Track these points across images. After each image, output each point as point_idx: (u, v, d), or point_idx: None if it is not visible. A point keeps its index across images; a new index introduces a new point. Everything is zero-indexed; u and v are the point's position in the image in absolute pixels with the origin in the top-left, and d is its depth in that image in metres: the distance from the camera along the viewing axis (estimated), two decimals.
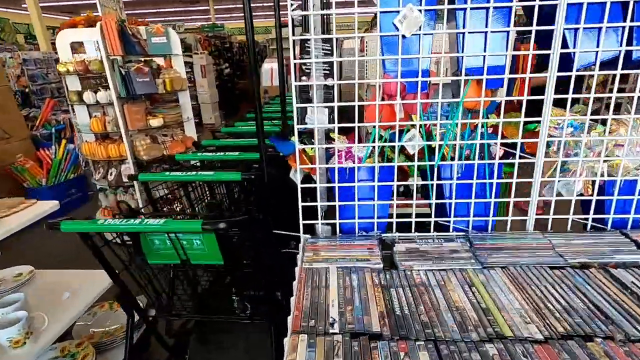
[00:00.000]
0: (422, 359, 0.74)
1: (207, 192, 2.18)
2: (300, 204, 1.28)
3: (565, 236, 1.21)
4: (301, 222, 1.29)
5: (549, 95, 1.15)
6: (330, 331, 0.83)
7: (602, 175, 1.24)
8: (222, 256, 1.40)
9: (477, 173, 1.24)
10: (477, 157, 1.24)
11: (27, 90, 6.69)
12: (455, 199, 1.26)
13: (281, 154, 1.30)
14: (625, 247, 1.13)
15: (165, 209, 2.75)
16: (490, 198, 1.26)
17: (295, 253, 1.27)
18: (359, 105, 1.18)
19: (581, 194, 1.28)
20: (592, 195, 1.26)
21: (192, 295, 1.74)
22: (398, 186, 1.30)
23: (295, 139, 1.21)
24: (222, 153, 1.76)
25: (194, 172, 1.47)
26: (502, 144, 1.33)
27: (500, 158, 1.30)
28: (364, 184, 1.28)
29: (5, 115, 4.13)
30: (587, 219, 1.28)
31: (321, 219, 1.32)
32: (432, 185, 1.26)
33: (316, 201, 1.29)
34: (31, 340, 1.44)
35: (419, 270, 1.05)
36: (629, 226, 1.27)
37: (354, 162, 1.34)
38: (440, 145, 1.22)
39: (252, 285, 1.70)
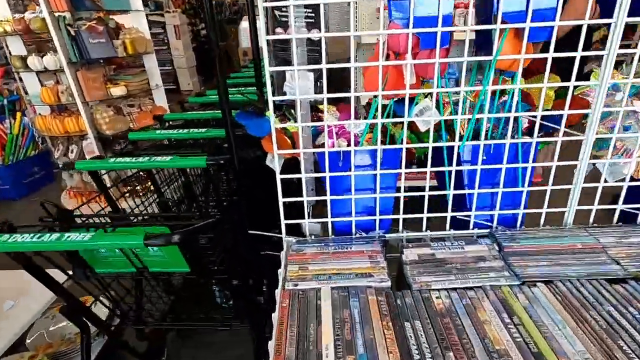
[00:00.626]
0: None
1: (179, 172, 1.87)
2: (281, 200, 0.99)
3: (613, 232, 0.97)
4: (283, 222, 1.02)
5: (612, 49, 0.86)
6: None
7: None
8: (187, 263, 1.13)
9: (505, 154, 0.96)
10: (509, 133, 0.95)
11: None
12: (479, 187, 0.99)
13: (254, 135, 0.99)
14: None
15: (138, 187, 2.44)
16: (523, 186, 0.99)
17: (277, 256, 1.01)
18: (353, 68, 0.87)
19: (633, 179, 1.03)
20: None
21: (163, 299, 1.49)
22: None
23: (270, 114, 0.90)
24: (186, 130, 1.43)
25: (146, 158, 1.16)
26: (534, 116, 1.05)
27: (526, 133, 1.04)
28: (362, 173, 1.00)
29: None
30: (639, 209, 1.04)
31: (309, 217, 1.04)
32: (448, 172, 0.98)
33: (301, 194, 1.01)
34: None
35: (438, 290, 0.80)
36: None
37: (348, 143, 1.05)
38: (467, 121, 0.93)
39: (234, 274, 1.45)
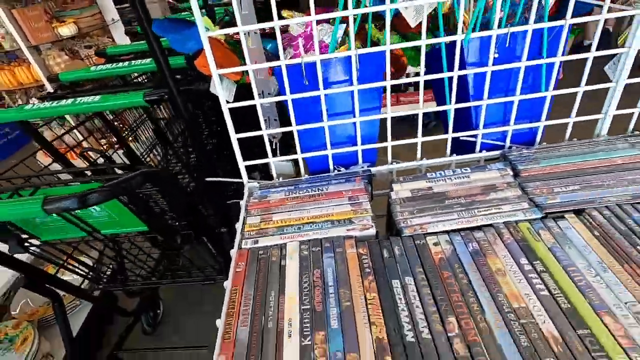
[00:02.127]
0: None
1: (145, 116, 1.65)
2: (234, 136, 0.77)
3: None
4: (241, 163, 0.81)
5: None
6: None
7: None
8: (142, 221, 0.96)
9: (525, 46, 0.71)
10: (532, 18, 0.69)
11: None
12: (489, 96, 0.76)
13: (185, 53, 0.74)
14: None
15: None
16: (547, 89, 0.76)
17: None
18: None
19: None
20: None
21: (144, 260, 1.35)
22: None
23: (194, 11, 0.64)
24: (126, 64, 1.16)
25: (69, 101, 0.91)
26: None
27: (553, 17, 0.77)
28: (336, 90, 0.76)
29: None
30: None
31: (274, 155, 0.83)
32: (448, 81, 0.74)
33: (259, 127, 0.79)
34: None
35: (436, 234, 0.62)
36: None
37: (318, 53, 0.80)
38: (471, 8, 0.67)
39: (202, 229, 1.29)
